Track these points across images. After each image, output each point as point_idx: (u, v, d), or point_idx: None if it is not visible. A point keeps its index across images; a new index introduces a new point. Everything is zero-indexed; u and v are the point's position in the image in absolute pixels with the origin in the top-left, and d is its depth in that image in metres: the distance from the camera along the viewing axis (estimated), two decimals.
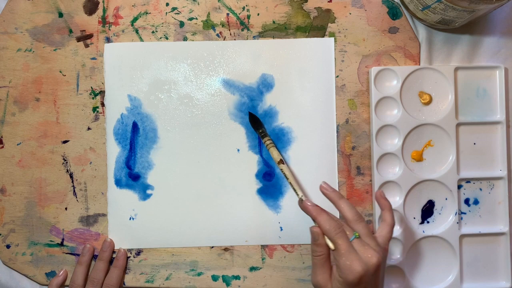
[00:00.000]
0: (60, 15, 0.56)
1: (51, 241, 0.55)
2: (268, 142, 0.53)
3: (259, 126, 0.55)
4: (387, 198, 0.49)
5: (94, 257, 0.55)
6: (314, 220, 0.46)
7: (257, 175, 0.55)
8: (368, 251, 0.43)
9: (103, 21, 0.56)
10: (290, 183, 0.51)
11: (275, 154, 0.53)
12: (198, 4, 0.56)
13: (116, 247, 0.55)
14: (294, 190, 0.51)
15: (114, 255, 0.55)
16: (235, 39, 0.56)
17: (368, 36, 0.56)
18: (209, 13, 0.56)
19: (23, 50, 0.55)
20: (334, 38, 0.56)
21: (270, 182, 0.55)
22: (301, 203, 0.48)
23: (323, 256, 0.45)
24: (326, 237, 0.45)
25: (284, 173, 0.52)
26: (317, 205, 0.47)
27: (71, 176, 0.55)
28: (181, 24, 0.56)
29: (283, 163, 0.52)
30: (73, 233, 0.55)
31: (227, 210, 0.55)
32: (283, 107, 0.55)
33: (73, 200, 0.55)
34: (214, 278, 0.55)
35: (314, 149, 0.55)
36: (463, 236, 0.55)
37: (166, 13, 0.56)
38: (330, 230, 0.44)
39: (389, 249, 0.47)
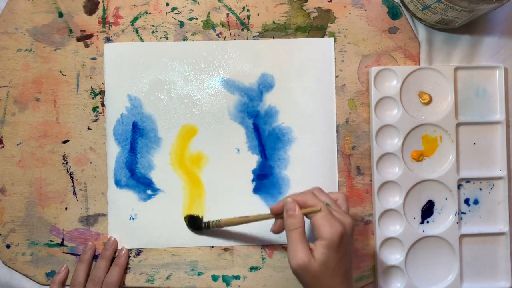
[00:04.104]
0: (60, 15, 0.56)
1: (51, 241, 0.55)
2: (215, 221, 0.52)
3: (200, 222, 0.53)
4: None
5: (96, 255, 0.55)
6: (287, 211, 0.46)
7: (256, 175, 0.55)
8: (341, 214, 0.45)
9: (103, 21, 0.56)
10: (258, 218, 0.50)
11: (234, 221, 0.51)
12: (198, 4, 0.56)
13: (117, 247, 0.55)
14: (263, 219, 0.50)
15: (115, 254, 0.55)
16: (235, 39, 0.56)
17: (368, 36, 0.56)
18: (209, 13, 0.56)
19: (23, 50, 0.55)
20: (334, 38, 0.56)
21: (270, 182, 0.55)
22: (275, 222, 0.49)
23: (301, 229, 0.44)
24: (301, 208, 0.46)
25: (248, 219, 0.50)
26: (280, 200, 0.47)
27: (71, 176, 0.55)
28: (181, 24, 0.56)
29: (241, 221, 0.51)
30: (73, 233, 0.55)
31: (227, 210, 0.55)
32: (283, 107, 0.55)
33: (73, 200, 0.55)
34: (214, 278, 0.55)
35: (314, 149, 0.55)
36: (463, 236, 0.55)
37: (166, 13, 0.56)
38: (307, 198, 0.46)
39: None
